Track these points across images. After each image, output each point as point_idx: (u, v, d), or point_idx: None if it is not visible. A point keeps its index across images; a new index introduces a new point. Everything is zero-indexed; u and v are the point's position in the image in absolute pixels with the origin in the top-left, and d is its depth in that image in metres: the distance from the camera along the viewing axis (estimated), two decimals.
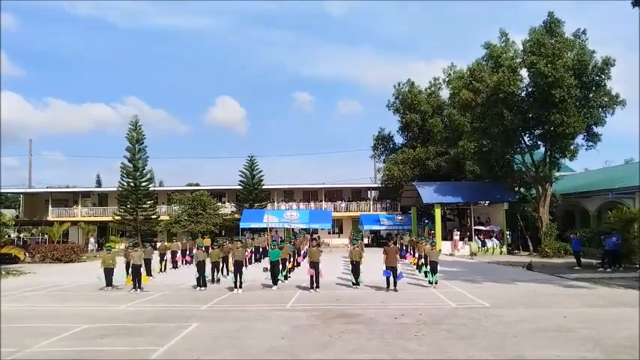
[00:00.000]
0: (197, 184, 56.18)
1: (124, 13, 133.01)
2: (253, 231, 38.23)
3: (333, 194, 50.75)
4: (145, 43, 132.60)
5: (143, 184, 43.38)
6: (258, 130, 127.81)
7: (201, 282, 17.04)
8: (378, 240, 44.06)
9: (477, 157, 32.95)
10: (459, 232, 34.17)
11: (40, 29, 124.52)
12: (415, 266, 21.15)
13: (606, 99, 27.94)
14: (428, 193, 34.68)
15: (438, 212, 33.96)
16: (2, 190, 51.65)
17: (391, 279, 15.94)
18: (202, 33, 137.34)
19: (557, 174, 32.08)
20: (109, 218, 45.59)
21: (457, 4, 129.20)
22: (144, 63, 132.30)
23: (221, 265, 19.54)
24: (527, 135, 31.53)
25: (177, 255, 26.05)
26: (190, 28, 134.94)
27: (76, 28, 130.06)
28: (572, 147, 29.65)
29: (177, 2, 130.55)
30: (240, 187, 46.13)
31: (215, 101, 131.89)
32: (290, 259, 20.51)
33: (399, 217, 43.19)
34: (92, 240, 44.74)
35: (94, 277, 18.23)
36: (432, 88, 43.48)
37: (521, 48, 29.16)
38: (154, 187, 47.73)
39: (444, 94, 41.41)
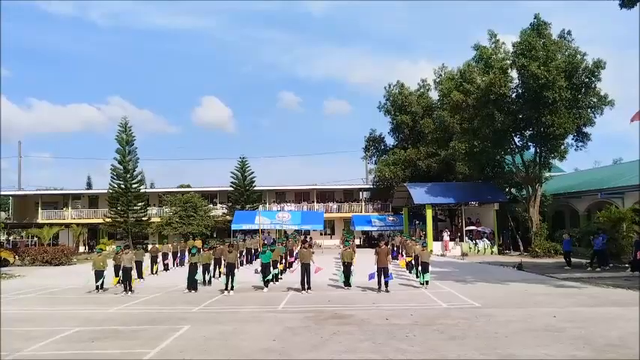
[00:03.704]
0: (188, 186, 56.04)
1: (103, 13, 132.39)
2: (245, 232, 38.17)
3: (325, 195, 50.86)
4: (126, 43, 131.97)
5: (134, 186, 43.19)
6: (248, 131, 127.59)
7: (192, 284, 17.00)
8: (369, 241, 44.12)
9: (468, 158, 33.14)
10: (449, 233, 34.34)
11: (18, 28, 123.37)
12: (406, 267, 21.17)
13: (595, 99, 28.22)
14: (419, 193, 34.82)
15: (429, 213, 34.10)
16: None
17: (382, 280, 16.01)
18: (184, 33, 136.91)
19: (547, 174, 32.31)
20: (100, 220, 45.34)
21: (445, 4, 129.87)
22: (126, 63, 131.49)
23: (212, 267, 19.49)
24: (517, 136, 31.76)
25: (169, 257, 25.95)
26: (171, 28, 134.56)
27: (55, 28, 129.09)
28: (562, 147, 29.90)
29: (158, 2, 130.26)
30: (231, 189, 46.04)
31: (200, 101, 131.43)
32: (281, 260, 20.50)
33: (391, 218, 43.25)
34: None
35: (85, 279, 18.14)
36: (422, 90, 43.70)
37: (511, 49, 29.36)
38: (145, 188, 47.51)
39: (434, 95, 41.71)
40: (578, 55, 27.69)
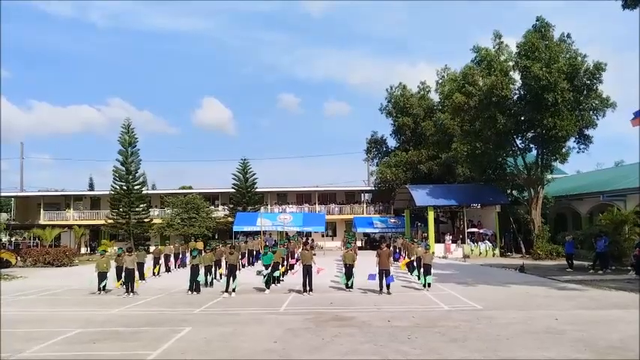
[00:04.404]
0: (190, 187, 56.09)
1: (103, 13, 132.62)
2: (247, 234, 38.19)
3: (327, 197, 50.87)
4: (126, 44, 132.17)
5: (136, 187, 43.25)
6: (248, 133, 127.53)
7: (194, 286, 17.01)
8: (371, 243, 44.11)
9: (470, 160, 33.13)
10: (450, 237, 34.28)
11: (17, 29, 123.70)
12: (407, 269, 21.13)
13: (597, 102, 28.19)
14: (421, 195, 34.80)
15: (431, 215, 34.09)
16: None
17: (384, 282, 15.99)
18: (183, 34, 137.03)
19: (549, 176, 32.27)
20: (102, 222, 45.40)
21: (444, 5, 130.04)
22: (126, 64, 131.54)
23: (214, 268, 19.48)
24: (519, 138, 31.73)
25: (170, 258, 25.95)
26: (171, 29, 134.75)
27: (54, 28, 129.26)
28: (564, 150, 29.86)
29: (158, 3, 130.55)
30: (233, 190, 46.07)
31: (200, 102, 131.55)
32: (283, 262, 20.49)
33: (393, 220, 43.25)
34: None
35: (87, 281, 18.14)
36: (422, 92, 43.73)
37: (514, 51, 29.34)
38: (147, 190, 47.57)
39: (434, 96, 41.77)
40: (579, 58, 27.70)
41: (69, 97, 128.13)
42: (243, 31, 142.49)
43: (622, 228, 22.71)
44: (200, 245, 28.52)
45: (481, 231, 33.97)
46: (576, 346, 8.91)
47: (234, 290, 16.25)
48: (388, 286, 15.98)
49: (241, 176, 46.12)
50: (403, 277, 19.93)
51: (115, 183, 42.94)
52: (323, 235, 46.66)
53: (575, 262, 23.39)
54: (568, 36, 28.68)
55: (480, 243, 33.01)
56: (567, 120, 27.60)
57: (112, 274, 17.75)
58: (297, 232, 39.24)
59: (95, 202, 50.60)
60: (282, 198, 51.08)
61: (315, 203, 48.99)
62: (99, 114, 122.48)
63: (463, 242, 33.39)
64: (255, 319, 12.02)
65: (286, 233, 38.79)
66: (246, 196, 45.48)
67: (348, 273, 16.90)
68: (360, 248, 35.94)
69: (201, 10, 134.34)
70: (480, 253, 32.26)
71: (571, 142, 29.99)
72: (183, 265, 26.37)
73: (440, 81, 37.18)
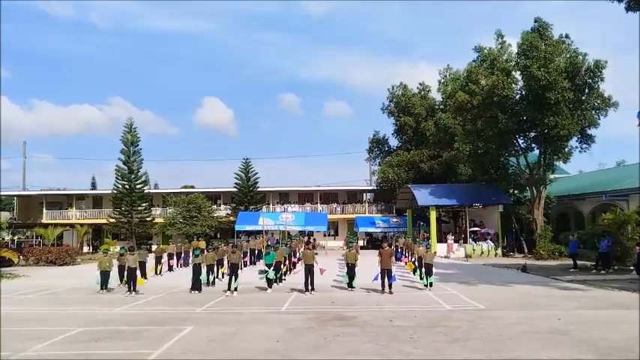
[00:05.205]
0: (192, 187, 56.08)
1: (104, 15, 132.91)
2: (249, 233, 38.20)
3: (329, 196, 50.85)
4: (127, 45, 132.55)
5: (138, 186, 43.23)
6: (249, 132, 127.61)
7: (196, 285, 17.00)
8: (373, 242, 44.07)
9: (472, 160, 33.06)
10: (453, 236, 34.22)
11: (18, 29, 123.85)
12: (412, 269, 21.12)
13: (599, 101, 28.12)
14: (423, 195, 34.75)
15: (433, 215, 34.03)
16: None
17: (386, 281, 15.97)
18: (184, 35, 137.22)
19: (551, 176, 32.19)
20: (104, 221, 45.44)
21: (444, 5, 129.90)
22: (127, 64, 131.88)
23: (216, 267, 19.48)
24: (521, 137, 31.66)
25: (173, 258, 25.93)
26: (172, 30, 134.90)
27: (55, 29, 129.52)
28: (566, 149, 29.77)
29: (158, 4, 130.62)
30: (235, 190, 46.09)
31: (201, 103, 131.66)
32: (285, 262, 20.47)
33: (395, 220, 43.20)
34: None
35: (89, 279, 18.16)
36: (422, 92, 43.68)
37: (515, 51, 29.29)
38: (149, 189, 47.59)
39: (435, 96, 41.76)
40: (580, 56, 27.62)
41: (70, 96, 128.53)
42: (244, 32, 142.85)
43: (625, 228, 22.66)
44: (202, 244, 28.51)
45: (483, 231, 33.91)
46: (579, 347, 8.88)
47: (236, 289, 16.24)
48: (390, 286, 15.97)
49: (243, 175, 46.14)
50: (405, 277, 19.91)
51: (117, 182, 42.96)
52: (325, 235, 46.69)
53: (577, 261, 23.33)
54: (567, 36, 28.63)
55: (482, 243, 32.94)
56: (569, 119, 27.52)
57: (114, 272, 17.77)
58: (299, 231, 39.23)
59: (97, 201, 50.70)
60: (284, 197, 51.07)
61: (317, 203, 48.98)
62: (100, 113, 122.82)
63: (465, 242, 33.31)
64: (257, 319, 12.01)
65: (288, 233, 38.79)
66: (249, 195, 45.49)
67: (350, 272, 16.90)
68: (362, 248, 35.95)
69: (203, 11, 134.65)
70: (482, 253, 32.20)
71: (573, 142, 29.94)
72: (186, 264, 26.37)
73: (442, 80, 37.17)
